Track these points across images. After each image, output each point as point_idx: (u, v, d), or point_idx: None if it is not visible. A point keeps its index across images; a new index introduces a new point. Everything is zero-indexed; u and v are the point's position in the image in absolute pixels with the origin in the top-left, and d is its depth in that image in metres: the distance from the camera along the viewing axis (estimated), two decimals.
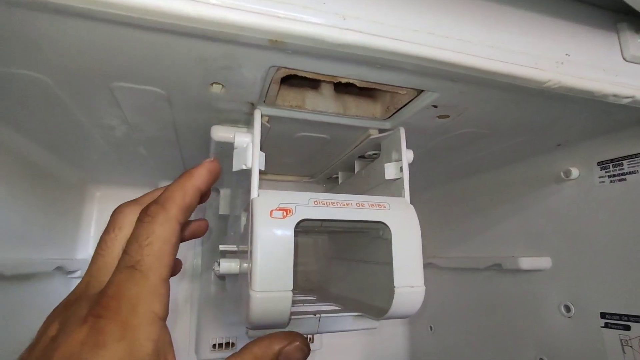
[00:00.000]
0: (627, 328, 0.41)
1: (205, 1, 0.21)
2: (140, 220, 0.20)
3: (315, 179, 0.63)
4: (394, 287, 0.31)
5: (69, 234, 0.65)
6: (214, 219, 0.65)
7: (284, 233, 0.29)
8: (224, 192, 0.59)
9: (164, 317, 0.19)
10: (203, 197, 0.23)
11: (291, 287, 0.28)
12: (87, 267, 0.21)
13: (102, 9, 0.20)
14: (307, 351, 0.23)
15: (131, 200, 0.22)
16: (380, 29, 0.24)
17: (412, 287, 0.32)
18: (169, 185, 0.22)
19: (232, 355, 0.20)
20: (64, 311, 0.19)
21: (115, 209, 0.22)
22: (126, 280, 0.18)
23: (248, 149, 0.33)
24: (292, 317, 0.36)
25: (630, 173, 0.41)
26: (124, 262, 0.19)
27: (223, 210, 0.58)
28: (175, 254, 0.20)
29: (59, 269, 0.54)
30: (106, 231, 0.21)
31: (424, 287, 0.33)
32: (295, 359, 0.22)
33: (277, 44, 0.23)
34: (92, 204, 0.71)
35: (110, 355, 0.16)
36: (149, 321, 0.18)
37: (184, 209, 0.21)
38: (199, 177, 0.22)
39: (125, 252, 0.19)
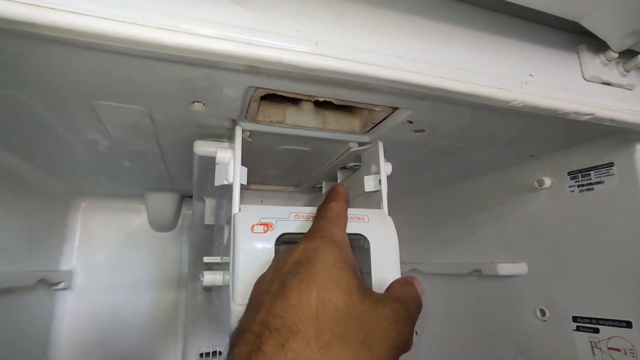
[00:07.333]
0: (597, 331, 0.42)
1: (182, 30, 0.22)
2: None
3: (300, 189, 0.64)
4: None
5: (53, 245, 0.64)
6: (200, 229, 0.65)
7: (265, 247, 0.30)
8: (209, 202, 0.59)
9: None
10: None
11: None
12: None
13: (77, 38, 0.20)
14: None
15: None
16: (352, 54, 0.25)
17: None
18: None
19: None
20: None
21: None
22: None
23: (229, 164, 0.34)
24: None
25: (597, 183, 0.43)
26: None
27: (208, 220, 0.59)
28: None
29: (42, 281, 0.54)
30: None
31: None
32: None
33: (252, 68, 0.24)
34: (77, 214, 0.71)
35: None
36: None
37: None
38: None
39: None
